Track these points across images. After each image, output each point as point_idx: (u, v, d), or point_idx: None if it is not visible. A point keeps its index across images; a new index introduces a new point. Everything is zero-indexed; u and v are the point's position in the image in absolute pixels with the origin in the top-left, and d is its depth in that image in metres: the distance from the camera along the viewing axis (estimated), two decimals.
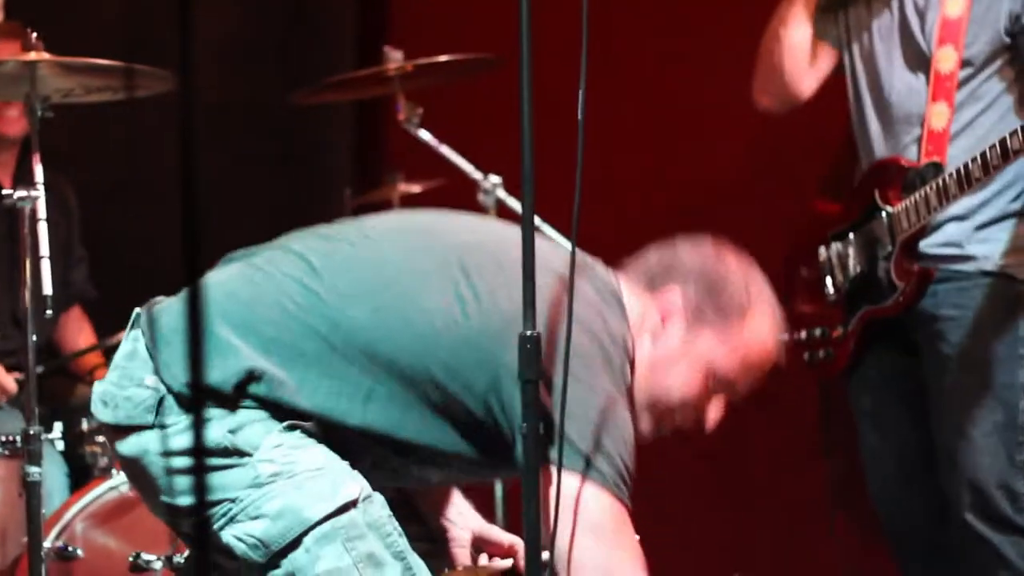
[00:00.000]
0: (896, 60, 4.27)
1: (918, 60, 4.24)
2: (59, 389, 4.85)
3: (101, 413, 2.89)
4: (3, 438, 4.15)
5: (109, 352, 4.55)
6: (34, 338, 3.79)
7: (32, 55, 3.93)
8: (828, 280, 4.45)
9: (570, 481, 2.73)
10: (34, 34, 3.97)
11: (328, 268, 2.88)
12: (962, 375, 4.20)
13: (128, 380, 2.85)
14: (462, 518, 3.14)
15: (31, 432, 3.80)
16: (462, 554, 3.12)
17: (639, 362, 2.93)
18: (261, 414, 2.79)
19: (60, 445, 4.43)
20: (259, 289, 2.87)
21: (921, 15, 4.23)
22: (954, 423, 4.20)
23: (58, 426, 4.40)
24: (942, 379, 4.22)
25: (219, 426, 2.77)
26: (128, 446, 2.86)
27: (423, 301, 2.84)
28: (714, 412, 2.99)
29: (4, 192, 3.93)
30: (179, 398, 2.79)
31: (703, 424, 2.99)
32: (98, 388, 2.89)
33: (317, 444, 2.81)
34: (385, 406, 2.82)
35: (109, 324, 4.78)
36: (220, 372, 2.78)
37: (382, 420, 2.82)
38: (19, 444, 3.88)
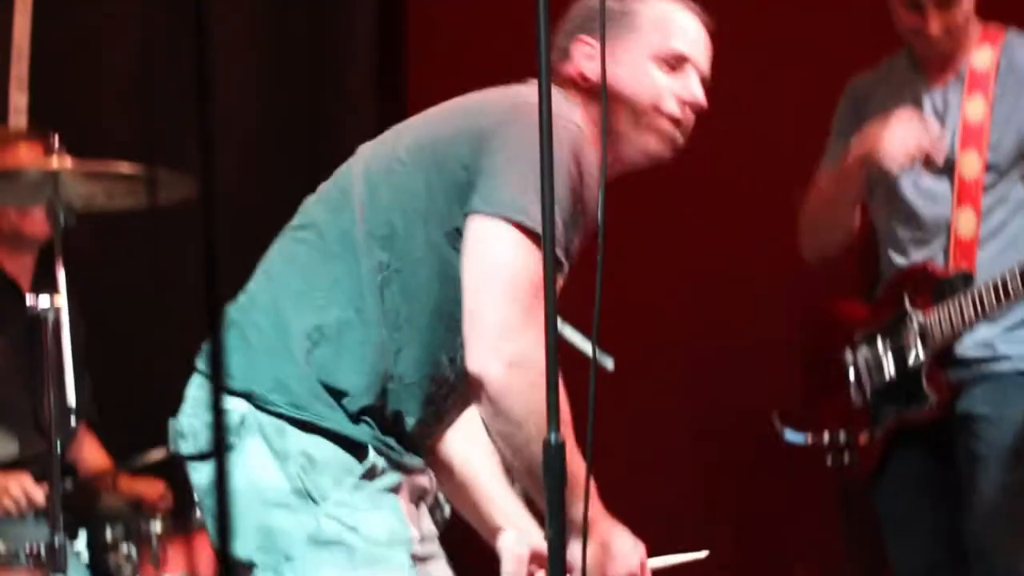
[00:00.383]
0: (918, 165, 4.23)
1: (941, 165, 4.20)
2: (83, 498, 4.81)
3: (182, 447, 2.85)
4: (27, 549, 4.11)
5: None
6: (59, 447, 3.77)
7: (55, 161, 3.93)
8: (853, 383, 4.39)
9: (484, 223, 2.73)
10: (57, 140, 3.98)
11: (315, 218, 2.92)
12: (996, 474, 4.14)
13: (205, 408, 2.83)
14: (522, 535, 3.07)
15: (56, 543, 3.76)
16: (518, 572, 3.05)
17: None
18: (336, 455, 2.76)
19: (85, 556, 4.39)
20: (280, 274, 2.90)
21: (940, 119, 4.20)
22: (987, 523, 4.13)
23: (83, 535, 4.36)
24: (976, 478, 4.16)
25: (295, 463, 2.74)
26: (206, 475, 2.84)
27: (388, 190, 2.85)
28: (687, 90, 2.97)
29: (27, 297, 3.92)
30: (263, 408, 2.76)
31: (692, 107, 2.98)
32: (174, 425, 2.87)
33: (387, 501, 2.77)
34: (406, 288, 2.81)
35: (128, 436, 4.76)
36: (292, 374, 2.78)
37: (412, 302, 2.80)
38: (44, 555, 3.83)
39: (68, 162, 3.94)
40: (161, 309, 5.15)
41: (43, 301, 3.85)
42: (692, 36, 3.01)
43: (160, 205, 4.34)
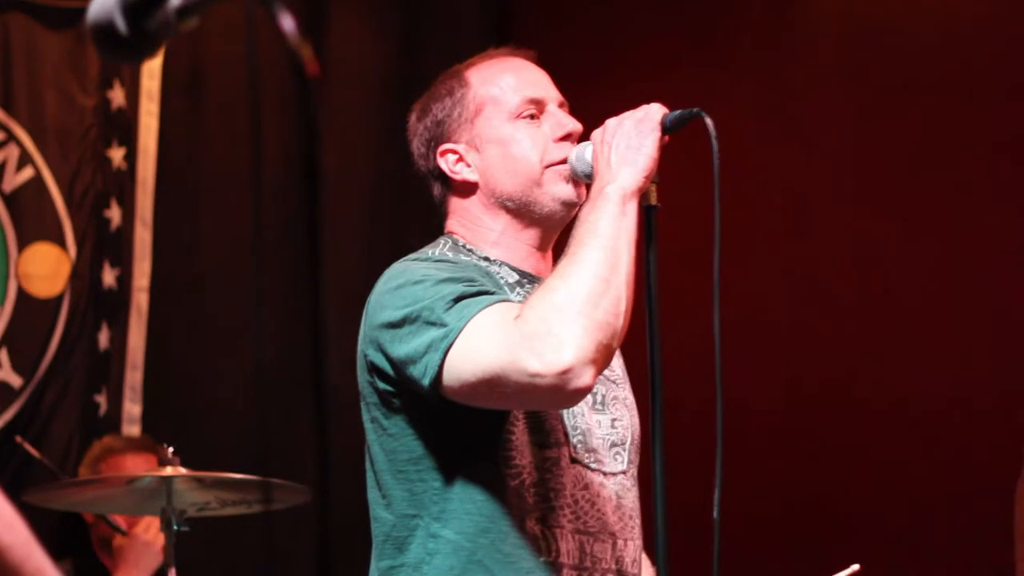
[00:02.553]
0: None
1: None
2: None
3: None
4: None
5: None
6: None
7: (168, 470, 3.97)
8: None
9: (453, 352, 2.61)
10: (170, 449, 4.02)
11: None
12: None
13: None
14: None
15: None
16: None
17: (488, 194, 2.88)
18: None
19: None
20: None
21: None
22: None
23: None
24: None
25: None
26: None
27: None
28: (559, 127, 2.88)
29: None
30: None
31: (571, 138, 2.87)
32: None
33: None
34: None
35: None
36: None
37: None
38: None
39: (181, 470, 3.97)
40: None
41: None
42: (529, 76, 2.95)
43: (274, 511, 4.36)
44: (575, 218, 2.78)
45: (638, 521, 2.87)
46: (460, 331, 2.60)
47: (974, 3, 5.40)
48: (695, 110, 2.70)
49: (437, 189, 2.94)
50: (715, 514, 2.63)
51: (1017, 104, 5.17)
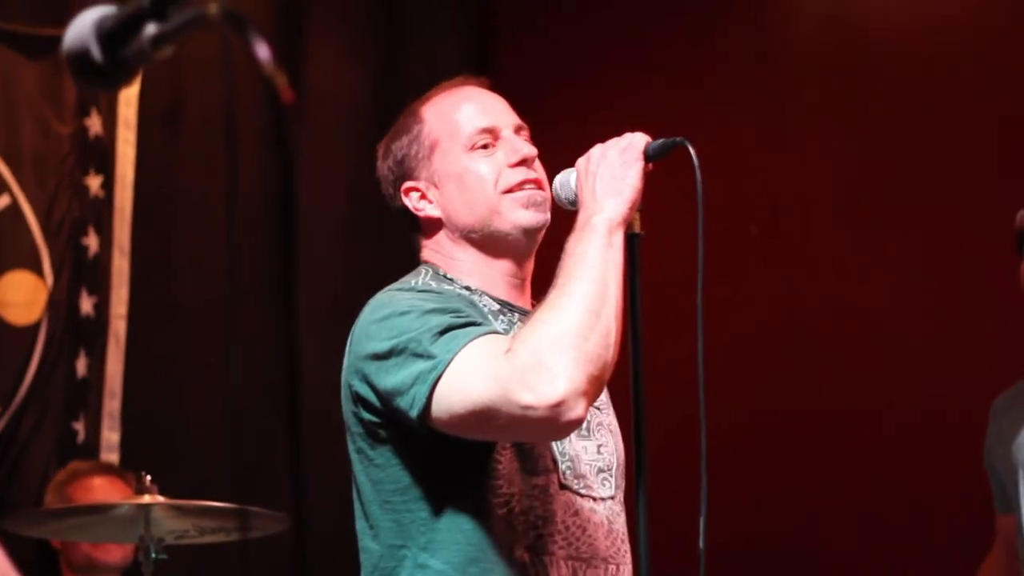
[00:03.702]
0: None
1: None
2: None
3: None
4: None
5: None
6: None
7: (146, 498, 3.97)
8: None
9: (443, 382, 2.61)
10: (148, 477, 4.02)
11: None
12: None
13: None
14: None
15: None
16: None
17: (453, 229, 2.88)
18: None
19: None
20: None
21: None
22: None
23: None
24: None
25: None
26: None
27: None
28: (514, 152, 2.87)
29: None
30: None
31: (526, 163, 2.86)
32: None
33: None
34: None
35: None
36: None
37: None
38: None
39: (159, 498, 3.97)
40: None
41: None
42: (481, 103, 2.94)
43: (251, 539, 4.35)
44: (561, 249, 2.78)
45: (628, 546, 2.87)
46: (448, 363, 2.60)
47: (970, 5, 5.44)
48: (678, 139, 2.70)
49: (408, 226, 2.96)
50: (700, 544, 2.64)
51: (1017, 104, 5.21)
